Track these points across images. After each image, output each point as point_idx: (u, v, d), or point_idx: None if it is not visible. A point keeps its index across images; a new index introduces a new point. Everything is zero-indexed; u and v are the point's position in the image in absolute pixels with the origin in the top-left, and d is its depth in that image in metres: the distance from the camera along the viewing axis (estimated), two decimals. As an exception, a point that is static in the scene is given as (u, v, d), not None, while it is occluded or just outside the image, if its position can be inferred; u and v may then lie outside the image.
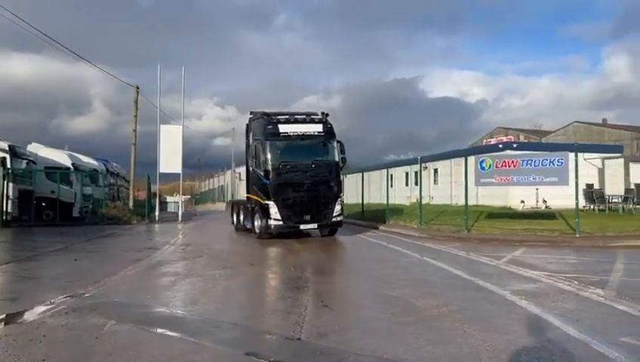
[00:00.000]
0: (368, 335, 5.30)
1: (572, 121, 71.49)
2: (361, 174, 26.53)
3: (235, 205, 20.31)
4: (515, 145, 24.79)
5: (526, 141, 42.01)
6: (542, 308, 6.23)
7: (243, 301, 7.55)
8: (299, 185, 14.70)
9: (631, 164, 23.67)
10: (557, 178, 13.80)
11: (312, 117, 15.57)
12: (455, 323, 5.64)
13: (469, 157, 15.85)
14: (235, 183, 69.87)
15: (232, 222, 19.37)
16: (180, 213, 28.61)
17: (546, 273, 8.69)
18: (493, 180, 14.88)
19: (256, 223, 15.56)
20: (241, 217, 18.04)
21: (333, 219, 14.94)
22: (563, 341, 4.96)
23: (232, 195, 66.04)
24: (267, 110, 15.95)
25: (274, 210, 14.54)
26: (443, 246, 12.80)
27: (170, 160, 26.30)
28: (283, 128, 14.91)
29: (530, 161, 14.15)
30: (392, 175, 37.94)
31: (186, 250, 13.21)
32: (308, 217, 14.72)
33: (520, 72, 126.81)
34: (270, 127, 15.00)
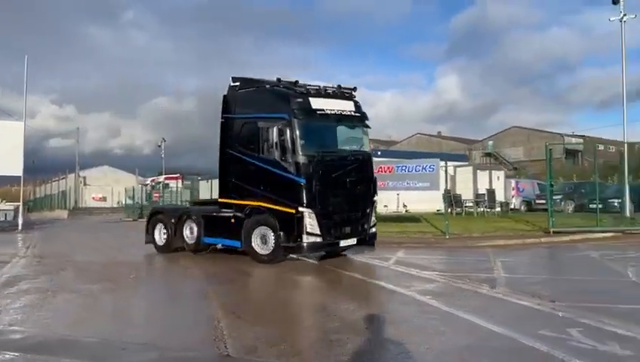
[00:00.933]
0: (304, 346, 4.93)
1: (415, 133, 78.16)
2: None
3: (169, 215, 12.99)
4: (379, 153, 26.09)
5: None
6: (453, 306, 6.39)
7: (137, 316, 6.67)
8: (338, 184, 10.72)
9: (478, 172, 26.40)
10: (429, 183, 14.70)
11: (344, 91, 11.48)
12: (384, 326, 5.51)
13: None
14: (80, 188, 64.13)
15: (153, 240, 13.01)
16: (20, 222, 25.23)
17: (437, 273, 9.06)
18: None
19: (256, 242, 10.68)
20: (189, 233, 12.22)
21: (372, 230, 11.38)
22: (494, 337, 5.09)
23: (76, 201, 60.37)
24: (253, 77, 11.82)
25: (310, 221, 10.14)
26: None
27: (5, 161, 23.02)
28: (316, 103, 10.73)
29: (404, 167, 14.89)
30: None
31: (43, 263, 11.51)
32: (348, 229, 10.82)
33: (367, 85, 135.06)
34: (300, 100, 10.64)
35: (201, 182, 44.32)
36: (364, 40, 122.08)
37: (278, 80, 11.10)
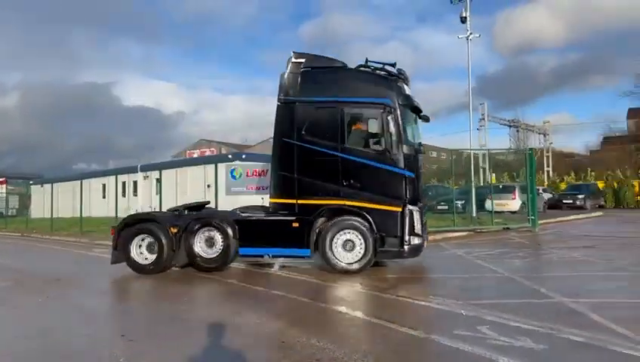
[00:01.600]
0: None
1: (269, 137, 78.92)
2: (79, 183, 23.31)
3: (166, 224, 9.90)
4: (244, 156, 25.66)
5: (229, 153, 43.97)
6: (369, 315, 6.36)
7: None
8: (419, 179, 9.69)
9: None
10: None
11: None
12: (308, 339, 5.23)
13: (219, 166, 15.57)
14: None
15: (127, 258, 9.88)
16: None
17: (319, 281, 9.00)
18: (244, 189, 14.99)
19: (337, 249, 9.16)
20: (206, 245, 9.78)
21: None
22: (415, 341, 5.12)
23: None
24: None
25: (417, 220, 9.07)
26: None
27: None
28: (405, 89, 9.55)
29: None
30: (104, 185, 34.82)
31: None
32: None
33: (217, 88, 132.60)
34: (399, 84, 9.42)
35: (33, 186, 39.61)
36: (212, 43, 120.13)
37: (366, 60, 9.74)
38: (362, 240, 9.05)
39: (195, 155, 49.29)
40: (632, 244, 12.61)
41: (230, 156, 26.71)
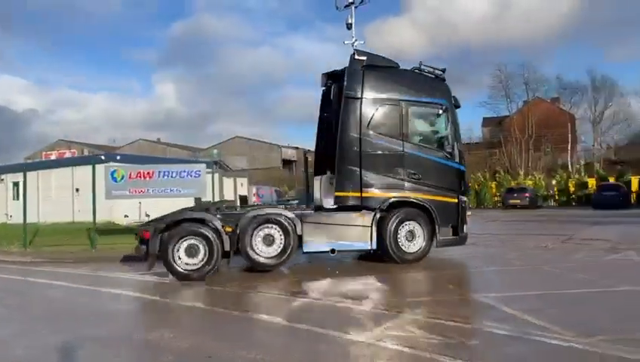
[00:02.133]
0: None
1: (138, 138, 74.72)
2: None
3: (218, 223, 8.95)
4: (118, 158, 23.81)
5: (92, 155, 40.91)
6: (293, 321, 6.05)
7: None
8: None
9: (224, 178, 26.52)
10: (195, 190, 13.90)
11: None
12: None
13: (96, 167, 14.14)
14: None
15: (169, 265, 8.69)
16: None
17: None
18: (127, 192, 13.77)
19: (401, 240, 9.42)
20: (264, 244, 9.02)
21: None
22: (349, 344, 4.94)
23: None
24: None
25: (468, 209, 10.40)
26: (88, 270, 10.88)
27: None
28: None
29: (167, 173, 13.74)
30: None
31: None
32: None
33: (75, 85, 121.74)
34: (450, 88, 10.34)
35: None
36: (72, 38, 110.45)
37: (420, 63, 10.37)
38: (422, 231, 9.60)
39: (53, 157, 44.77)
40: (509, 241, 13.62)
41: (103, 157, 24.68)
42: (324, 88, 11.20)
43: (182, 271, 8.66)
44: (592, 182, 36.46)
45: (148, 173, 13.82)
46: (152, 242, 8.69)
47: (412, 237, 9.59)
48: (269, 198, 28.29)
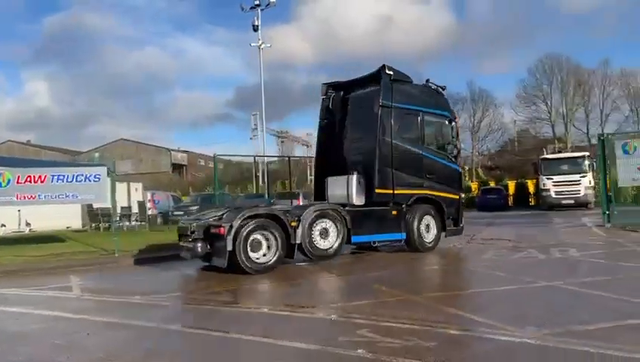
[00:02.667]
0: None
1: (6, 140, 67.86)
2: None
3: (283, 218, 9.62)
4: None
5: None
6: (243, 334, 5.67)
7: None
8: None
9: (131, 183, 24.85)
10: (94, 195, 12.78)
11: None
12: None
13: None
14: None
15: (248, 258, 9.05)
16: None
17: (162, 296, 7.91)
18: (14, 198, 12.27)
19: (422, 231, 11.29)
20: (321, 236, 10.07)
21: None
22: (319, 355, 4.72)
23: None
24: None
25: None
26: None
27: None
28: None
29: (62, 177, 12.42)
30: None
31: None
32: None
33: None
34: (448, 101, 13.12)
35: None
36: None
37: (427, 80, 12.43)
38: (434, 223, 11.51)
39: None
40: None
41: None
42: (324, 97, 12.56)
43: (253, 265, 9.09)
44: (474, 186, 39.33)
45: (40, 176, 12.45)
46: (228, 239, 8.88)
47: (428, 229, 11.41)
48: (165, 204, 26.86)
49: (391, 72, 11.25)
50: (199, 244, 9.25)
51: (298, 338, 5.16)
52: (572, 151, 35.35)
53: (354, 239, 10.49)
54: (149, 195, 26.28)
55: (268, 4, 21.03)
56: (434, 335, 5.10)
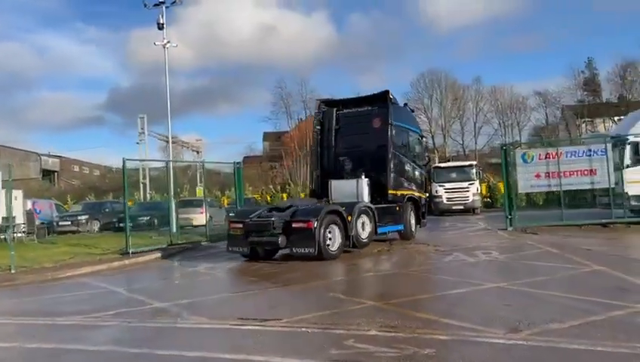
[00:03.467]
0: None
1: None
2: None
3: (346, 212, 11.66)
4: None
5: None
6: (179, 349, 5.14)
7: None
8: None
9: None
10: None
11: None
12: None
13: None
14: None
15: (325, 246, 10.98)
16: None
17: (83, 316, 7.02)
18: None
19: (413, 225, 14.76)
20: (362, 228, 12.22)
21: None
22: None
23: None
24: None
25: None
26: None
27: None
28: None
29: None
30: None
31: None
32: None
33: None
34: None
35: None
36: None
37: (405, 104, 16.70)
38: (415, 217, 14.78)
39: None
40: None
41: None
42: (317, 112, 15.13)
43: (328, 254, 10.96)
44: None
45: None
46: (317, 231, 10.75)
47: (412, 222, 14.49)
48: (48, 214, 24.25)
49: (392, 97, 14.13)
50: (281, 238, 10.87)
51: (289, 353, 4.82)
52: (460, 161, 37.98)
53: (379, 230, 12.87)
54: (29, 204, 23.55)
55: (174, 2, 20.01)
56: (426, 342, 5.01)
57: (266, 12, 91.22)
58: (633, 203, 15.27)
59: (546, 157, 15.71)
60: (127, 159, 14.41)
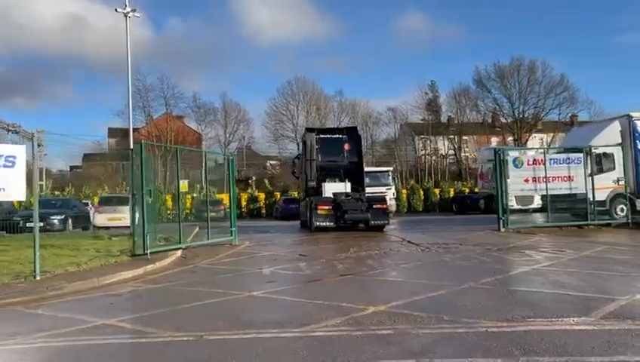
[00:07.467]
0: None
1: None
2: None
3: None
4: None
5: None
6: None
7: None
8: None
9: None
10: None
11: None
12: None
13: None
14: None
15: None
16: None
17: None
18: None
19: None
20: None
21: None
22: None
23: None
24: None
25: None
26: None
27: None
28: None
29: None
30: None
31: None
32: None
33: None
34: None
35: None
36: None
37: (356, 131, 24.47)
38: None
39: None
40: (318, 254, 13.15)
41: None
42: (303, 135, 22.40)
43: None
44: (261, 196, 39.52)
45: None
46: (387, 210, 20.20)
47: None
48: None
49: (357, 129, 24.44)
50: (369, 213, 18.43)
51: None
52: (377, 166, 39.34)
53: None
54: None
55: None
56: (478, 334, 5.12)
57: (75, 3, 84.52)
58: (597, 207, 17.01)
59: (533, 163, 16.73)
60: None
